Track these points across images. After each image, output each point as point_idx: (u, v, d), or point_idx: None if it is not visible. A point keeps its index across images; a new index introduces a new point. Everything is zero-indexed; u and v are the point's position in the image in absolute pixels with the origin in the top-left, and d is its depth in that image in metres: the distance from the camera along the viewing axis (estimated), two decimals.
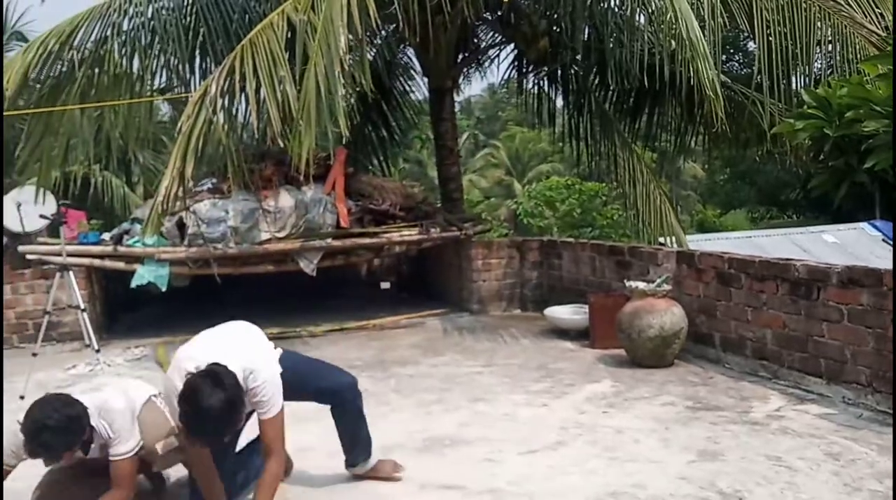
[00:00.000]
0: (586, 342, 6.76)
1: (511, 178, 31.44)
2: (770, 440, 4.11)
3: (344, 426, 3.67)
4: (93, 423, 3.13)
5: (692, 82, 7.11)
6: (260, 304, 9.76)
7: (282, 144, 6.74)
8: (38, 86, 8.44)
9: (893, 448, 2.87)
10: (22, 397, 5.59)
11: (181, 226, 8.07)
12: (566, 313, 7.40)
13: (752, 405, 4.77)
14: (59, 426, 2.93)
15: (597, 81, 10.05)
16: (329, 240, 8.39)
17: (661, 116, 10.22)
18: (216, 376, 2.89)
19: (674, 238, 8.54)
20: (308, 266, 8.36)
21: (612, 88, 9.76)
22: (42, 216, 6.88)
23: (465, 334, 7.69)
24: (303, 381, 3.49)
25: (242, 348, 3.26)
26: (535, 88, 10.76)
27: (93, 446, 3.20)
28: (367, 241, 8.63)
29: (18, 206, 7.97)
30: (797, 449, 3.94)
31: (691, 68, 6.94)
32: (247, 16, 8.65)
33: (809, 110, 5.33)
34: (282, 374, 3.31)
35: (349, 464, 3.75)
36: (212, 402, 2.80)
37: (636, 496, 3.43)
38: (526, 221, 19.36)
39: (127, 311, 9.58)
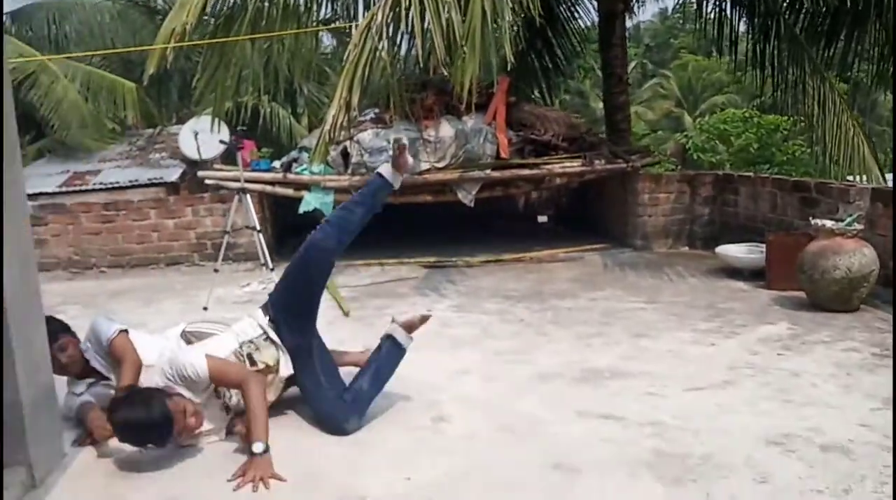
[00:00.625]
0: (761, 283, 6.32)
1: (681, 110, 29.82)
2: None
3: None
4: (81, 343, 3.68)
5: None
6: (418, 233, 9.91)
7: (444, 73, 6.62)
8: (213, 19, 8.76)
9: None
10: (205, 309, 6.08)
11: (345, 155, 8.25)
12: (740, 252, 6.94)
13: None
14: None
15: (787, 2, 9.19)
16: (488, 171, 8.29)
17: (859, 42, 9.16)
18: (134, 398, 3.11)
19: (865, 176, 7.77)
20: (466, 197, 8.32)
21: (804, 8, 8.88)
22: (221, 141, 7.26)
23: (626, 269, 7.43)
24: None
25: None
26: (715, 11, 9.99)
27: (95, 361, 3.66)
28: (526, 172, 8.47)
29: (196, 134, 8.40)
30: None
31: None
32: None
33: None
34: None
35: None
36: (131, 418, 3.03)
37: (811, 440, 3.14)
38: (696, 156, 18.33)
39: (294, 236, 9.97)
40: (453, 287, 6.85)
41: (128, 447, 3.19)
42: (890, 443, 3.07)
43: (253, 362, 3.33)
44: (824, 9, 8.61)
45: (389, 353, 3.61)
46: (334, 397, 3.43)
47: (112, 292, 7.54)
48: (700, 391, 3.79)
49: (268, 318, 3.47)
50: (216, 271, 6.79)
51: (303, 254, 3.44)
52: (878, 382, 3.86)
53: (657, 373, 4.09)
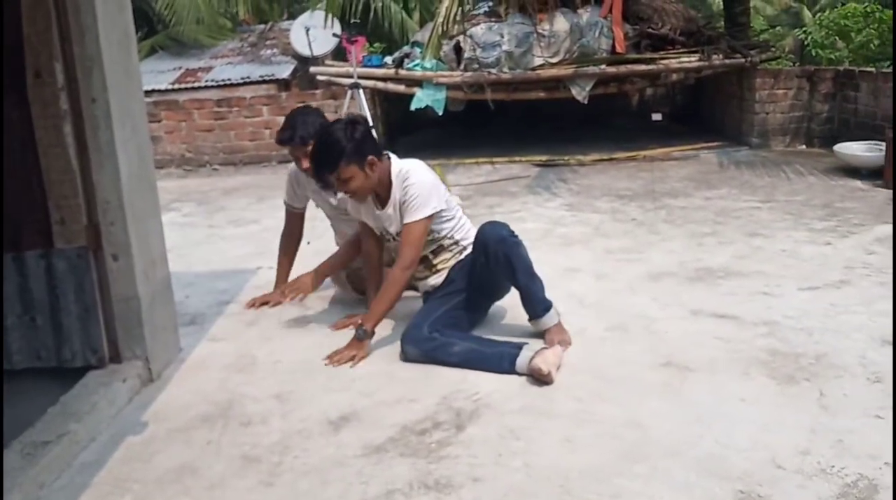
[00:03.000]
0: (879, 182, 6.18)
1: (800, 4, 27.94)
2: None
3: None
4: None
5: None
6: (529, 131, 9.91)
7: None
8: None
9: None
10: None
11: (458, 50, 8.23)
12: (859, 150, 6.78)
13: None
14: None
15: None
16: (603, 66, 8.15)
17: None
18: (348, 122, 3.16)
19: None
20: (580, 93, 8.24)
21: None
22: (335, 34, 7.31)
23: (742, 168, 7.31)
24: None
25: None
26: None
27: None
28: (642, 68, 8.29)
29: (307, 30, 8.47)
30: None
31: None
32: None
33: None
34: None
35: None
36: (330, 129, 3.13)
37: None
38: (814, 52, 17.27)
39: (404, 134, 10.11)
40: (565, 186, 6.90)
41: (247, 344, 3.38)
42: None
43: (432, 253, 3.34)
44: None
45: (501, 355, 3.00)
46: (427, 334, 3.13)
47: (225, 189, 7.70)
48: (815, 291, 3.80)
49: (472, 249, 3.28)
50: None
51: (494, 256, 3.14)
52: None
53: (771, 272, 4.11)
